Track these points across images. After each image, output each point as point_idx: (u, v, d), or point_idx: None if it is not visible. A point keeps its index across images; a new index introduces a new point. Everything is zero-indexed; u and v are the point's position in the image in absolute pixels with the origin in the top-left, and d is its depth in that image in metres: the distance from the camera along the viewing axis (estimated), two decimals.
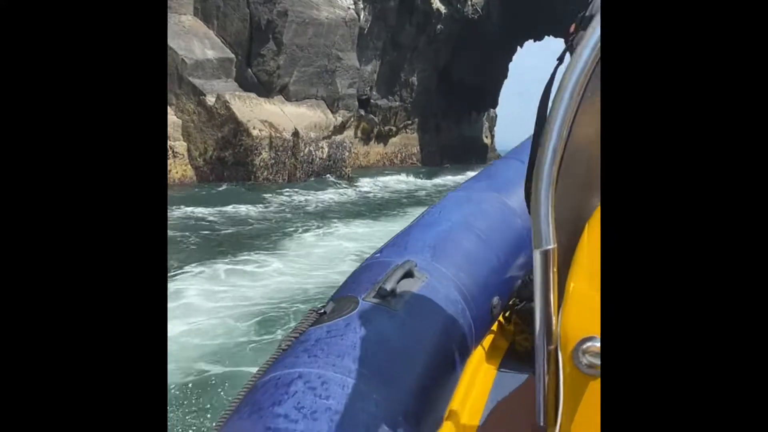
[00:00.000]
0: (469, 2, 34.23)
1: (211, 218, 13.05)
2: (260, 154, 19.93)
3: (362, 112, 30.16)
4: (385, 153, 34.55)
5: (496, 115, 67.91)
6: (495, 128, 67.87)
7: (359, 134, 30.93)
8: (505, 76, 47.08)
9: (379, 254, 1.65)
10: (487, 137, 63.30)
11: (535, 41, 48.50)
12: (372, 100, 30.67)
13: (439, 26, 32.50)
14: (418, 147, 38.12)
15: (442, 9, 32.00)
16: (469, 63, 39.44)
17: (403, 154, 36.38)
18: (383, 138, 33.83)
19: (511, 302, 1.84)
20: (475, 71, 41.01)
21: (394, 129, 34.30)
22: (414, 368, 1.29)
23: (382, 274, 1.46)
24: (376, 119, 31.36)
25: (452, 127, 43.68)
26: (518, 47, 46.44)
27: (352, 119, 28.85)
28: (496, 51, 41.21)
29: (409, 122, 35.93)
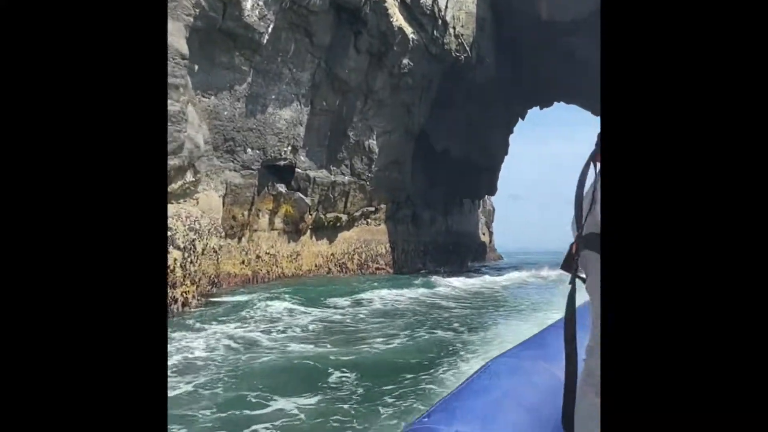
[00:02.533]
0: (452, 32, 23.52)
1: None
2: None
3: (282, 188, 18.41)
4: (332, 254, 22.37)
5: (494, 208, 57.53)
6: (493, 223, 57.61)
7: (278, 223, 18.94)
8: (506, 152, 36.06)
9: (427, 418, 1.65)
10: (484, 234, 52.30)
11: (542, 108, 38.47)
12: (300, 170, 19.03)
13: (405, 60, 21.46)
14: (388, 245, 25.97)
15: (409, 32, 21.02)
16: (454, 126, 28.45)
17: (363, 256, 24.18)
18: (328, 230, 21.83)
19: None
20: (464, 140, 29.99)
21: (345, 218, 22.34)
22: None
23: None
24: (308, 200, 19.46)
25: (438, 219, 32.08)
26: (519, 117, 35.93)
27: (253, 195, 16.99)
28: (492, 113, 30.40)
29: (372, 208, 24.07)
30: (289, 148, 18.12)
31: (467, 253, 38.89)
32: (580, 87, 28.94)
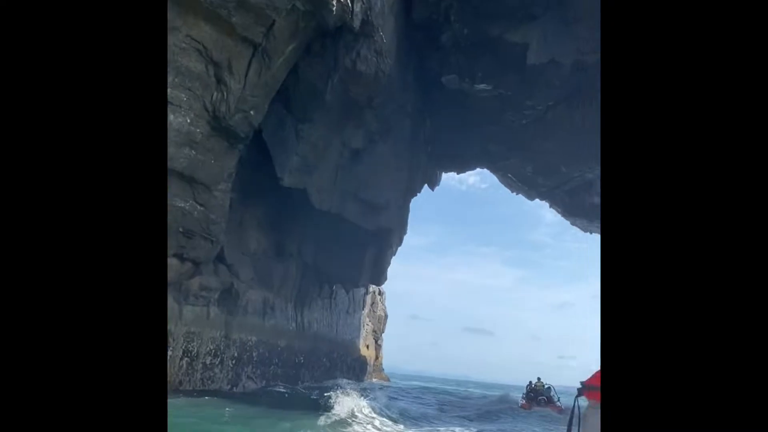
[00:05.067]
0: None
1: None
2: None
3: None
4: None
5: (386, 314, 45.61)
6: (384, 332, 45.81)
7: None
8: (404, 223, 25.69)
9: None
10: (368, 346, 40.53)
11: (458, 173, 29.39)
12: None
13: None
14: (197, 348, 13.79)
15: None
16: (325, 156, 17.96)
17: None
18: None
19: None
20: (343, 186, 19.47)
21: None
22: None
23: None
24: None
25: (283, 308, 20.58)
26: (429, 180, 26.21)
27: None
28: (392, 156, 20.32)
29: None
30: None
31: (334, 368, 27.01)
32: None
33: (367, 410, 13.90)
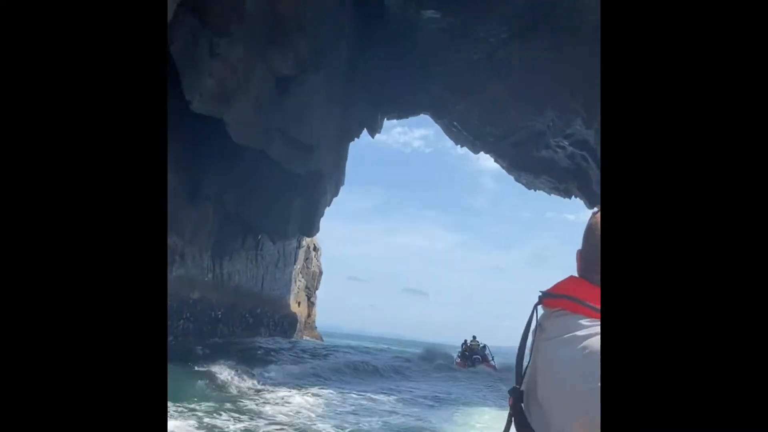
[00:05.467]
0: None
1: None
2: None
3: None
4: None
5: (321, 270, 43.63)
6: (318, 289, 43.93)
7: None
8: (341, 168, 23.48)
9: None
10: (299, 302, 38.59)
11: (399, 119, 27.30)
12: None
13: None
14: None
15: None
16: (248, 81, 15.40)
17: None
18: None
19: None
20: (257, 122, 16.97)
21: None
22: None
23: None
24: None
25: (201, 261, 18.20)
26: (368, 123, 23.99)
27: None
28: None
29: None
30: None
31: (258, 324, 24.97)
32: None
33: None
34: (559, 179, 26.53)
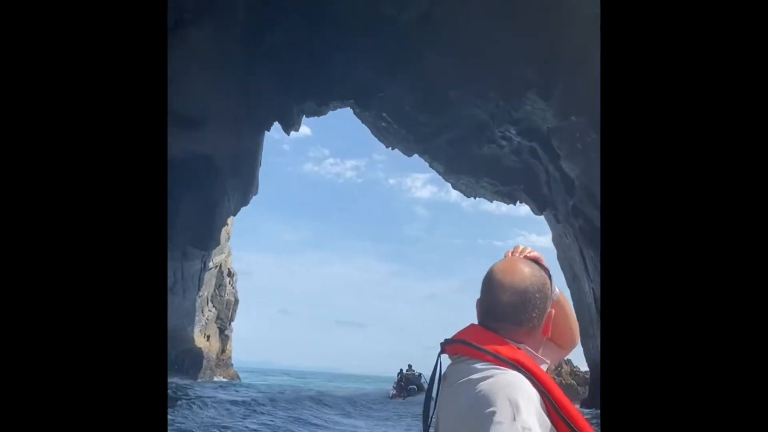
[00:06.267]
0: None
1: None
2: None
3: None
4: None
5: (237, 299, 37.61)
6: (233, 321, 37.81)
7: None
8: (251, 156, 19.00)
9: None
10: (208, 335, 32.73)
11: (319, 106, 23.02)
12: None
13: None
14: None
15: None
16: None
17: None
18: None
19: None
20: None
21: None
22: None
23: None
24: None
25: None
26: (284, 113, 19.71)
27: None
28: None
29: None
30: None
31: None
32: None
33: None
34: (503, 181, 23.21)
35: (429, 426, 1.43)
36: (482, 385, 1.27)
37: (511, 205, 25.65)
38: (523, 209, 25.05)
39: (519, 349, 1.35)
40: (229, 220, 31.26)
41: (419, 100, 18.94)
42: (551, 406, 1.25)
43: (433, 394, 1.42)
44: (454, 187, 26.31)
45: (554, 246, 25.20)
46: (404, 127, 20.99)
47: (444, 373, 1.43)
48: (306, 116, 24.19)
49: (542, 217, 24.80)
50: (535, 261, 1.45)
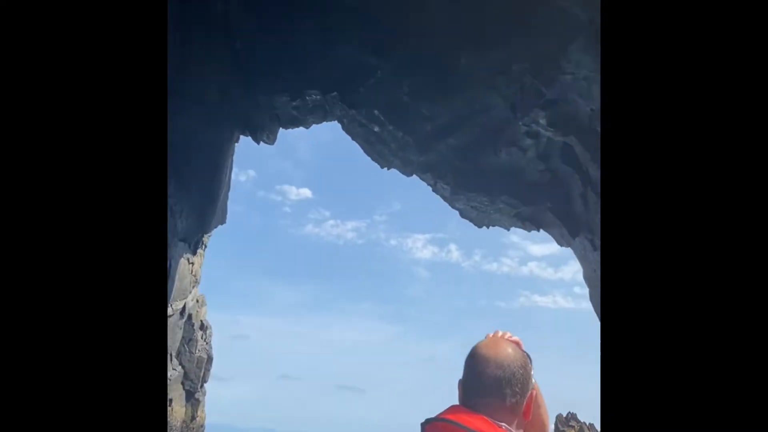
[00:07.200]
0: None
1: None
2: None
3: None
4: None
5: (210, 357, 32.04)
6: (207, 381, 31.58)
7: None
8: (222, 181, 14.65)
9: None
10: (171, 399, 26.95)
11: (293, 100, 18.41)
12: None
13: None
14: None
15: None
16: None
17: None
18: None
19: None
20: None
21: None
22: None
23: None
24: None
25: None
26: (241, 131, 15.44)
27: None
28: None
29: None
30: None
31: None
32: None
33: None
34: (525, 199, 18.72)
35: None
36: None
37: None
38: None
39: (500, 428, 1.38)
40: (195, 260, 26.49)
41: (416, 83, 14.64)
42: None
43: None
44: (463, 214, 21.68)
45: (586, 284, 20.38)
46: (401, 128, 16.61)
47: None
48: (283, 127, 19.97)
49: (567, 251, 20.05)
50: (516, 344, 1.50)
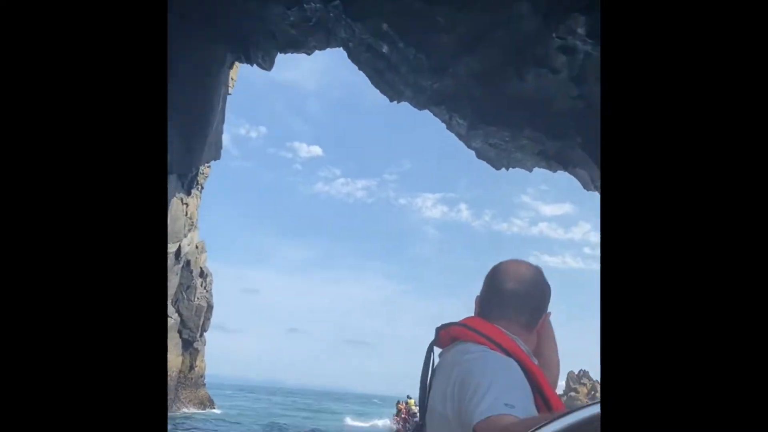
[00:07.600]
0: None
1: None
2: None
3: None
4: None
5: (211, 305, 30.89)
6: (206, 330, 30.61)
7: None
8: (209, 114, 12.67)
9: None
10: (182, 358, 25.04)
11: (289, 8, 16.37)
12: None
13: None
14: None
15: None
16: None
17: None
18: None
19: None
20: None
21: None
22: None
23: None
24: None
25: None
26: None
27: None
28: None
29: None
30: None
31: None
32: None
33: None
34: (552, 134, 16.69)
35: (425, 412, 1.51)
36: (473, 362, 1.38)
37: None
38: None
39: (512, 339, 1.44)
40: (190, 201, 24.83)
41: None
42: (537, 393, 1.33)
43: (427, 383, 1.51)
44: (479, 154, 19.63)
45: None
46: (413, 42, 14.45)
47: (438, 363, 1.53)
48: (281, 51, 17.85)
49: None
50: (538, 270, 1.62)
